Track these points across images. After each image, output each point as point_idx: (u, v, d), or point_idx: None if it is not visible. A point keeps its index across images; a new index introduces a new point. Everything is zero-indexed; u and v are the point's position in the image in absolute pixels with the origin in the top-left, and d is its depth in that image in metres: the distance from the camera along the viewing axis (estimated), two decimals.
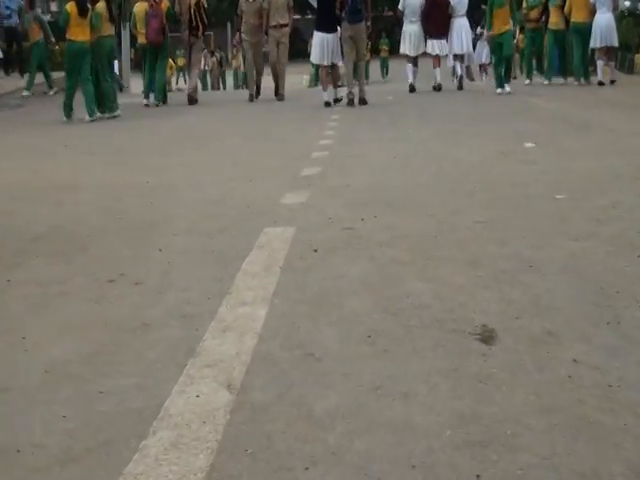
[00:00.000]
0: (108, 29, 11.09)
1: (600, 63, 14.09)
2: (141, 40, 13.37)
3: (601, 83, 13.88)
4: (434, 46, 14.29)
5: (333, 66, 12.33)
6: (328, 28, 11.91)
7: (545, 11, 14.76)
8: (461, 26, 14.41)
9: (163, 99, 13.59)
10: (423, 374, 2.28)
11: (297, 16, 44.68)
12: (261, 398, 2.16)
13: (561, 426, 1.96)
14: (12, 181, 6.13)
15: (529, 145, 6.97)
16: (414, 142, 7.74)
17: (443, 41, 14.26)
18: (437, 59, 14.39)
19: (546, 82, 14.95)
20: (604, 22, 13.80)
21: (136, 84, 19.33)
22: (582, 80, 14.53)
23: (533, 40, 15.64)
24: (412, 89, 14.05)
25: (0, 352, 2.58)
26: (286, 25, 13.06)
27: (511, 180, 5.37)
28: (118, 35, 19.11)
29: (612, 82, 14.04)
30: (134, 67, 20.21)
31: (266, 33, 13.16)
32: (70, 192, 5.51)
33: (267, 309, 2.87)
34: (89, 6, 10.73)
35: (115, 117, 11.21)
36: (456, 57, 14.94)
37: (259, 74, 13.87)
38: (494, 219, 4.22)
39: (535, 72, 16.10)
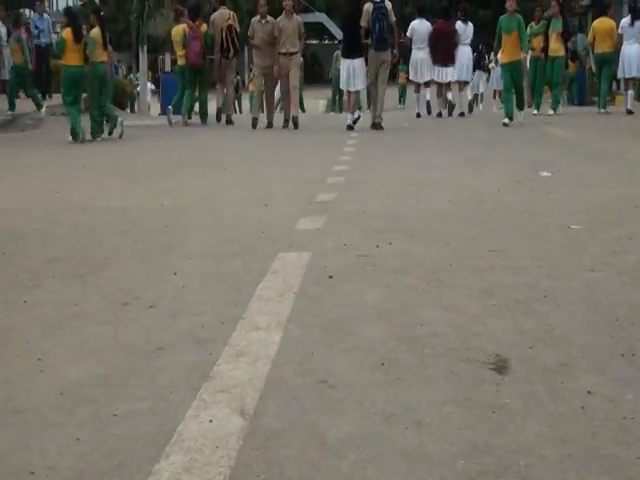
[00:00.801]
0: (101, 55, 11.33)
1: (630, 92, 14.36)
2: (180, 62, 13.94)
3: (630, 112, 13.99)
4: (440, 73, 14.69)
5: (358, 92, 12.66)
6: (353, 55, 12.29)
7: (546, 39, 14.40)
8: (462, 54, 14.72)
9: (203, 119, 14.08)
10: (436, 403, 2.29)
11: (314, 41, 45.28)
12: (274, 424, 2.17)
13: (574, 458, 1.96)
14: (29, 202, 6.20)
15: (545, 174, 6.98)
16: (430, 169, 7.77)
17: (449, 69, 14.54)
18: (441, 87, 14.83)
19: (551, 112, 14.44)
20: (633, 53, 14.09)
21: (155, 106, 19.54)
22: (602, 110, 14.61)
23: (536, 69, 14.95)
24: (418, 115, 14.74)
25: (16, 373, 2.62)
26: (296, 53, 12.81)
27: (526, 209, 5.38)
28: (136, 58, 19.34)
29: (629, 112, 14.12)
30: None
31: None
32: (86, 214, 5.56)
33: (281, 335, 2.89)
34: (84, 33, 11.28)
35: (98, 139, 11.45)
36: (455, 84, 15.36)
37: (269, 102, 13.44)
38: (509, 248, 4.23)
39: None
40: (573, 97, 19.98)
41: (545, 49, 14.21)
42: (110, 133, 11.57)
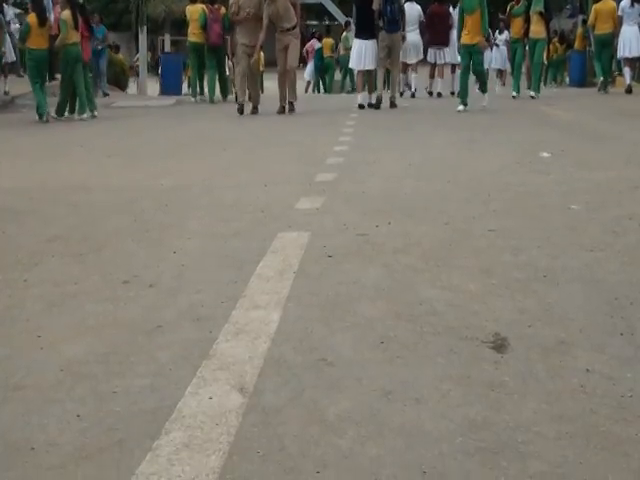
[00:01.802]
0: (74, 37, 11.46)
1: (627, 70, 14.43)
2: (194, 40, 14.55)
3: (629, 88, 14.08)
4: (434, 55, 15.10)
5: (369, 72, 12.64)
6: (366, 35, 12.40)
7: (527, 20, 13.76)
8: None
9: (224, 95, 14.63)
10: (435, 380, 2.29)
11: (314, 22, 45.00)
12: (273, 401, 2.18)
13: (572, 435, 1.97)
14: (28, 182, 6.18)
15: (545, 155, 6.96)
16: (429, 149, 7.75)
17: (444, 50, 14.67)
18: (434, 68, 15.04)
19: (532, 94, 14.06)
20: (633, 34, 14.18)
21: (152, 87, 19.47)
22: (603, 90, 14.67)
23: (516, 51, 14.56)
24: (401, 94, 14.82)
25: (16, 351, 2.62)
26: (293, 27, 11.76)
27: (526, 190, 5.37)
28: (135, 38, 19.30)
29: (629, 91, 14.24)
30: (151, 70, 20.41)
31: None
32: (85, 194, 5.55)
33: (281, 313, 2.89)
34: (48, 17, 11.71)
35: (84, 119, 11.66)
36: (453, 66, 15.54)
37: (253, 85, 12.32)
38: (509, 228, 4.23)
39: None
40: (567, 78, 19.90)
41: (527, 31, 13.84)
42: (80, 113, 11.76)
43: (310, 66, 22.69)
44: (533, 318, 2.82)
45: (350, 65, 13.66)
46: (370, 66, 12.53)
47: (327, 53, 22.20)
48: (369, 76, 12.78)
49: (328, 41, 22.76)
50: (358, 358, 2.48)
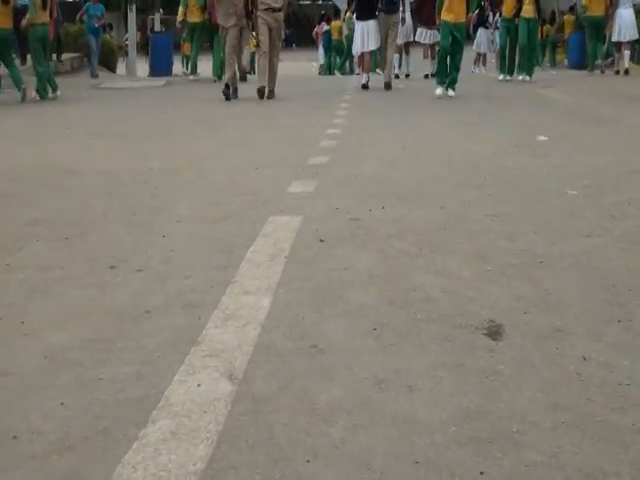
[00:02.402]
0: (42, 17, 11.50)
1: (627, 53, 14.57)
2: (194, 19, 14.89)
3: (627, 71, 14.23)
4: (425, 35, 15.19)
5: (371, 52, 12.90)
6: (368, 16, 12.52)
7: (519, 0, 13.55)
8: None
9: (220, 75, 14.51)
10: (428, 368, 2.28)
11: (307, 1, 44.68)
12: (263, 389, 2.16)
13: (568, 424, 1.96)
14: (12, 164, 6.14)
15: (542, 138, 6.95)
16: (424, 132, 7.72)
17: (435, 31, 14.70)
18: (427, 48, 15.19)
19: (520, 77, 13.89)
20: (629, 17, 14.31)
21: (142, 67, 19.38)
22: (590, 71, 14.94)
23: (508, 31, 14.27)
24: (397, 76, 15.02)
25: None
26: (280, 9, 11.18)
27: (523, 174, 5.36)
28: (125, 17, 19.23)
29: (626, 72, 14.45)
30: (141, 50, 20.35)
31: (248, 17, 11.40)
32: (72, 176, 5.51)
33: (271, 299, 2.88)
34: None
35: (51, 99, 11.73)
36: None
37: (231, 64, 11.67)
38: (505, 213, 4.21)
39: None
40: (565, 60, 19.92)
41: (518, 11, 13.67)
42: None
43: (321, 48, 22.80)
44: (529, 305, 2.81)
45: (354, 49, 13.84)
46: (373, 46, 12.71)
47: (335, 37, 22.09)
48: (370, 56, 13.10)
49: (336, 24, 22.57)
50: (350, 345, 2.47)
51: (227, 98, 11.20)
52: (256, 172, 5.54)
